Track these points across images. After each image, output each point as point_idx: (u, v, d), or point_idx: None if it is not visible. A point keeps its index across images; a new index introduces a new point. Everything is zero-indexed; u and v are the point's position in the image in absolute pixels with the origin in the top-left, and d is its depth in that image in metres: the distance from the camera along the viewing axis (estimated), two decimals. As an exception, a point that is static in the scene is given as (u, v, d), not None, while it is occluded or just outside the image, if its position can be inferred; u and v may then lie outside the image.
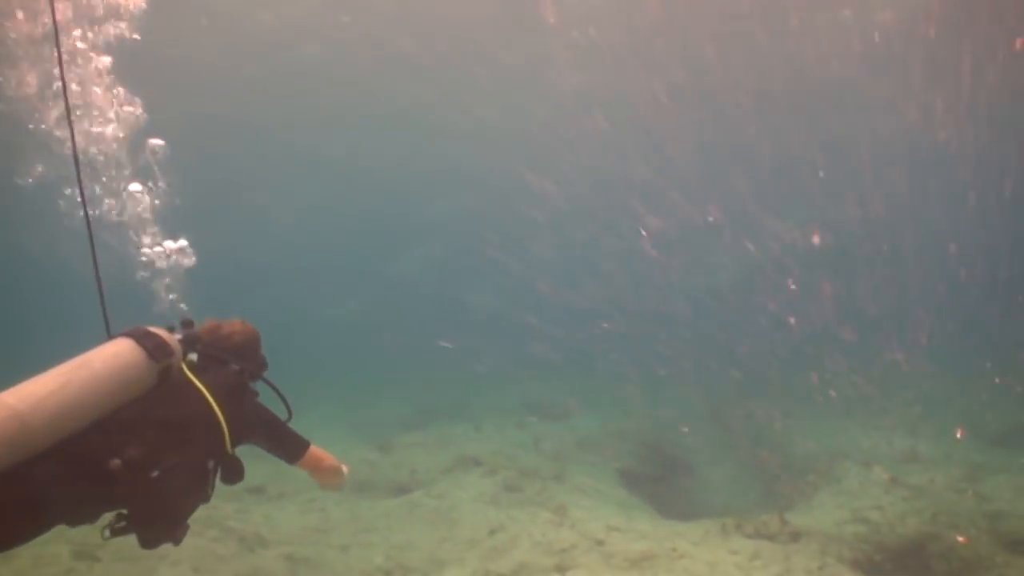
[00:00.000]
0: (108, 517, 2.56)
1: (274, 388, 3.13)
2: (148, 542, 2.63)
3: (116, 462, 2.35)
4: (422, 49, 16.62)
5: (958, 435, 12.29)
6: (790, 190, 21.53)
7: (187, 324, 3.03)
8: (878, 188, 22.98)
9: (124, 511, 2.53)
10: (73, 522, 2.47)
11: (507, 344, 26.10)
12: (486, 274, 20.94)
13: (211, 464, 2.76)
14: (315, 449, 3.25)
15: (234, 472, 2.87)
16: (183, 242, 4.69)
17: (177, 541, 2.69)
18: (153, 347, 2.63)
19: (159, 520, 2.61)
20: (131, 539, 2.57)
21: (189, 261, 4.61)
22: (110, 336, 2.73)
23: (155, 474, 2.45)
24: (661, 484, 13.31)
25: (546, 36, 16.14)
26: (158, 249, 4.62)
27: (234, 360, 3.00)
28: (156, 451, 2.48)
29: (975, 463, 10.42)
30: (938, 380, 19.75)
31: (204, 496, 2.79)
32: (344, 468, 3.46)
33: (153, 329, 2.74)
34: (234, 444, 2.81)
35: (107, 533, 2.54)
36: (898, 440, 11.61)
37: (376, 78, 18.09)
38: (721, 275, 20.08)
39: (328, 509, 9.02)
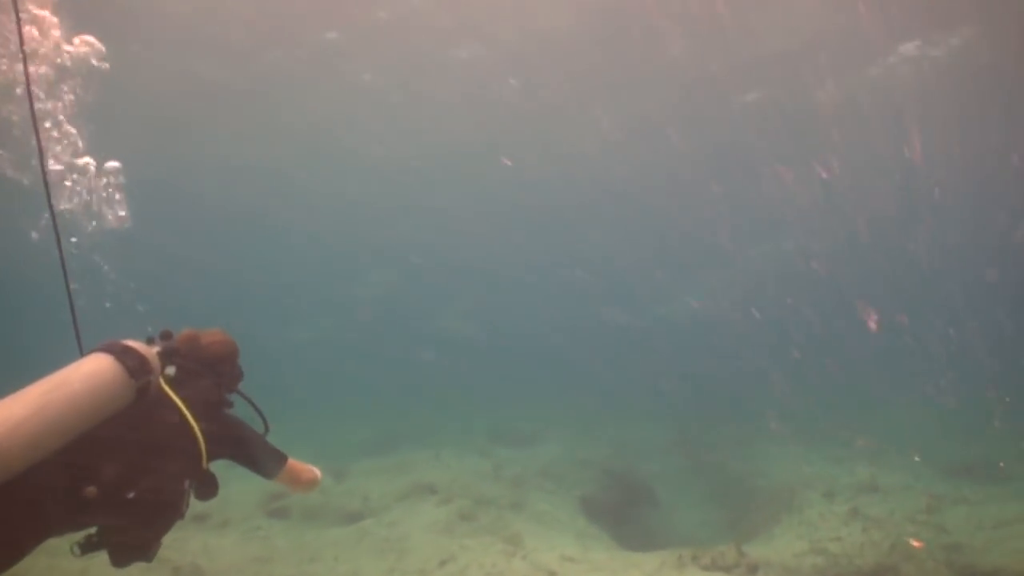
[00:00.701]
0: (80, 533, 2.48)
1: (250, 401, 3.03)
2: (120, 561, 2.57)
3: (91, 489, 2.28)
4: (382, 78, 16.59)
5: (916, 458, 12.29)
6: (762, 217, 21.71)
7: (166, 336, 2.90)
8: (858, 214, 23.34)
9: (96, 528, 2.47)
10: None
11: (474, 368, 25.91)
12: (452, 297, 20.67)
13: (188, 482, 2.68)
14: (292, 463, 3.14)
15: (209, 488, 2.77)
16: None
17: (150, 559, 2.63)
18: (133, 364, 2.51)
19: (134, 540, 2.54)
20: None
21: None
22: (82, 352, 2.60)
23: (131, 495, 2.38)
24: (624, 513, 13.08)
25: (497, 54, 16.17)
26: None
27: (210, 372, 2.91)
28: (132, 471, 2.41)
29: (935, 494, 10.37)
30: (901, 411, 19.96)
31: (179, 514, 2.68)
32: (319, 474, 3.33)
33: (131, 344, 2.61)
34: (210, 459, 2.72)
35: (77, 550, 2.48)
36: (860, 470, 11.54)
37: (337, 105, 17.95)
38: (689, 303, 20.06)
39: (272, 538, 8.63)
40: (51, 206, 2.94)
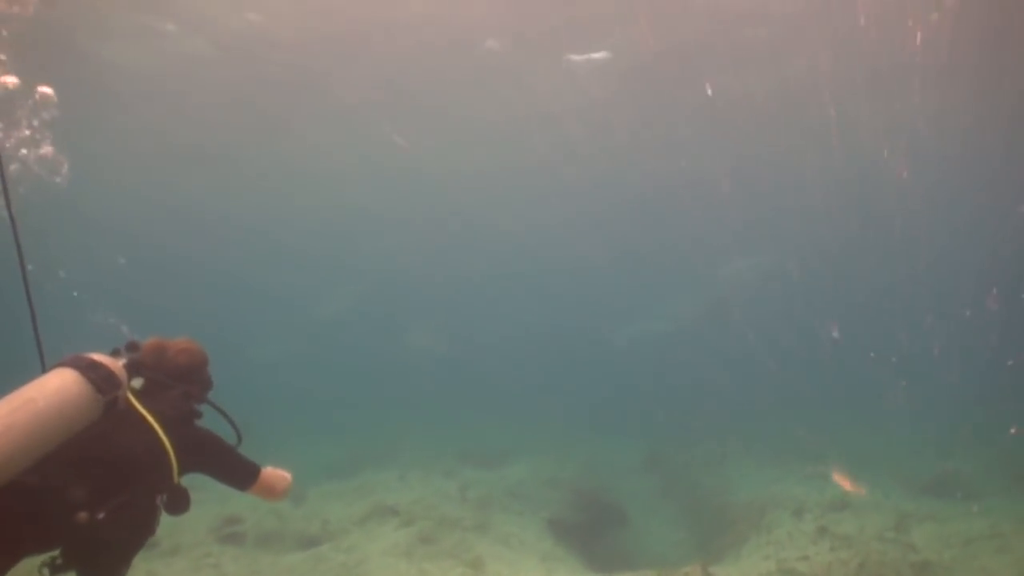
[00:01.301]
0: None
1: (221, 411, 2.94)
2: None
3: (83, 515, 2.23)
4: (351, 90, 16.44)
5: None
6: (740, 231, 21.78)
7: (132, 347, 2.83)
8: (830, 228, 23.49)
9: (63, 550, 2.35)
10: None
11: (444, 388, 25.59)
12: (419, 316, 20.44)
13: (159, 499, 2.60)
14: (266, 474, 3.05)
15: (180, 503, 2.69)
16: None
17: None
18: (100, 379, 2.43)
19: (105, 562, 2.45)
20: None
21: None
22: (45, 368, 2.51)
23: (101, 515, 2.30)
24: (594, 534, 12.83)
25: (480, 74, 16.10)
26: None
27: (179, 383, 2.82)
28: (102, 490, 2.33)
29: (904, 511, 10.28)
30: (873, 428, 20.00)
31: (151, 531, 2.61)
32: (290, 478, 3.25)
33: (97, 357, 2.53)
34: (181, 473, 2.64)
35: (46, 571, 2.36)
36: (830, 488, 11.44)
37: (302, 119, 17.75)
38: (663, 321, 20.01)
39: (223, 565, 8.27)
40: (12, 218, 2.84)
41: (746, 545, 9.66)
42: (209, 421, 2.96)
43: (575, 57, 16.02)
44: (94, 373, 2.43)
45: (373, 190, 20.58)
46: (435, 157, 18.93)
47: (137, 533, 2.53)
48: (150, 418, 2.55)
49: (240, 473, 2.96)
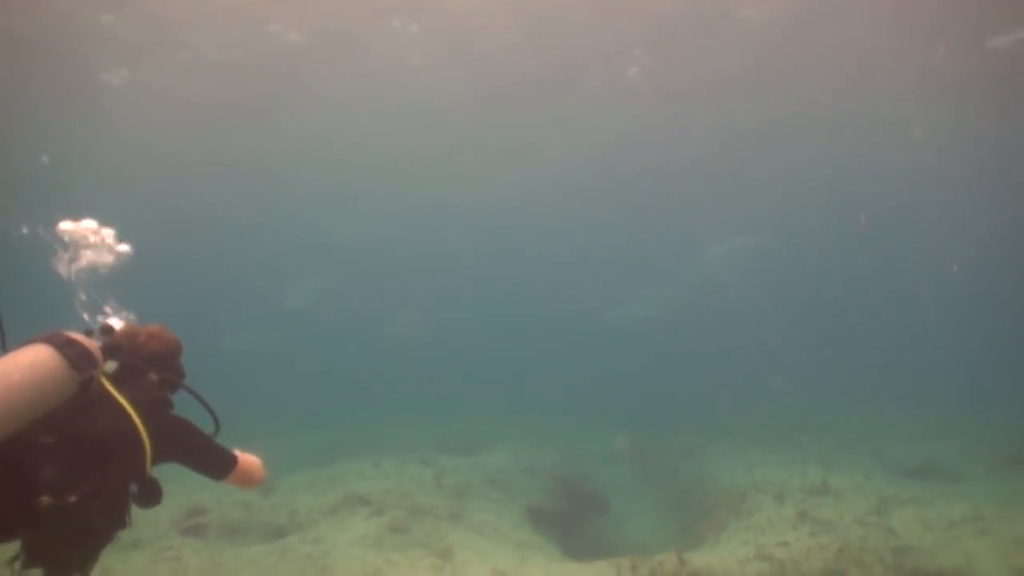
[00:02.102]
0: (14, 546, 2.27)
1: (200, 398, 2.86)
2: (57, 574, 2.38)
3: (45, 499, 2.13)
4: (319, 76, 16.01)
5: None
6: (725, 217, 21.55)
7: (107, 330, 2.75)
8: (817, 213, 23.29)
9: (28, 540, 2.27)
10: None
11: (424, 375, 25.29)
12: (397, 303, 20.10)
13: (133, 487, 2.50)
14: (242, 462, 2.96)
15: (152, 495, 2.58)
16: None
17: (87, 573, 2.46)
18: (76, 356, 2.36)
19: (75, 551, 2.36)
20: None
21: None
22: (5, 346, 2.43)
23: (73, 499, 2.20)
24: (573, 521, 12.62)
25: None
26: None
27: (152, 369, 2.73)
28: (74, 473, 2.24)
29: (885, 495, 10.12)
30: (857, 411, 19.95)
31: (123, 522, 2.52)
32: (263, 467, 3.17)
33: (74, 335, 2.46)
34: (154, 463, 2.55)
35: (17, 565, 2.30)
36: (811, 472, 11.27)
37: (276, 104, 17.30)
38: (647, 307, 19.79)
39: (184, 558, 7.96)
40: None
41: (726, 531, 9.47)
42: (182, 410, 2.83)
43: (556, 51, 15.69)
44: (70, 350, 2.34)
45: (347, 172, 20.12)
46: (409, 137, 18.53)
47: (109, 522, 2.43)
48: (124, 402, 2.46)
49: (217, 462, 2.86)
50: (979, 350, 28.39)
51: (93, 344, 2.50)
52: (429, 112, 17.27)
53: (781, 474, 11.46)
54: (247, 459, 3.03)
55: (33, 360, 2.28)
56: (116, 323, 2.93)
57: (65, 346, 2.36)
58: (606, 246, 24.14)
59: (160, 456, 2.58)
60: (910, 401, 20.88)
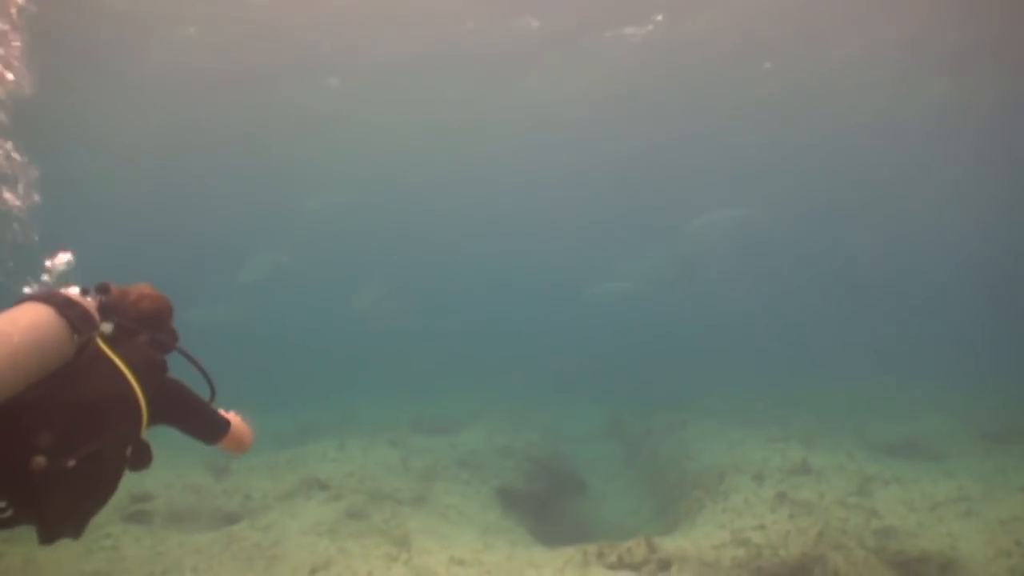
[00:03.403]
0: None
1: (195, 362, 2.81)
2: (50, 537, 2.32)
3: (39, 460, 2.11)
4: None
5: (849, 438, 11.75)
6: (701, 193, 21.06)
7: (103, 289, 2.65)
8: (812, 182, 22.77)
9: (17, 499, 2.19)
10: None
11: (401, 354, 24.77)
12: (368, 277, 19.50)
13: (129, 450, 2.46)
14: (235, 427, 2.93)
15: (144, 457, 2.54)
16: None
17: (79, 535, 2.42)
18: (76, 318, 2.31)
19: (69, 514, 2.31)
20: None
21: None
22: None
23: (71, 463, 2.19)
24: (548, 503, 12.23)
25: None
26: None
27: (145, 330, 2.67)
28: (72, 437, 2.21)
29: (868, 474, 9.77)
30: (839, 390, 19.67)
31: (114, 487, 2.45)
32: (251, 430, 3.12)
33: (72, 295, 2.41)
34: (149, 425, 2.52)
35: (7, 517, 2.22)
36: (791, 451, 10.89)
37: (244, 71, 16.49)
38: (627, 282, 19.31)
39: (123, 547, 7.42)
40: None
41: (701, 513, 9.07)
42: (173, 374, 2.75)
43: (534, 23, 15.03)
44: (70, 311, 2.30)
45: (316, 140, 19.30)
46: (383, 106, 17.79)
47: (104, 485, 2.39)
48: (122, 365, 2.40)
49: (211, 427, 2.83)
50: (963, 327, 28.26)
51: (91, 304, 2.45)
52: (394, 77, 16.54)
53: (761, 452, 11.07)
54: (239, 424, 2.99)
55: (33, 321, 2.21)
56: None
57: (65, 307, 2.30)
58: (587, 219, 23.64)
59: (155, 418, 2.54)
60: (894, 378, 20.65)
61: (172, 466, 9.99)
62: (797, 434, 12.31)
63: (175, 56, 15.23)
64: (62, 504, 2.25)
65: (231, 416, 2.98)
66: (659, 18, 14.92)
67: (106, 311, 2.55)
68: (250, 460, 10.73)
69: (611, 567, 6.58)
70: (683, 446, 13.36)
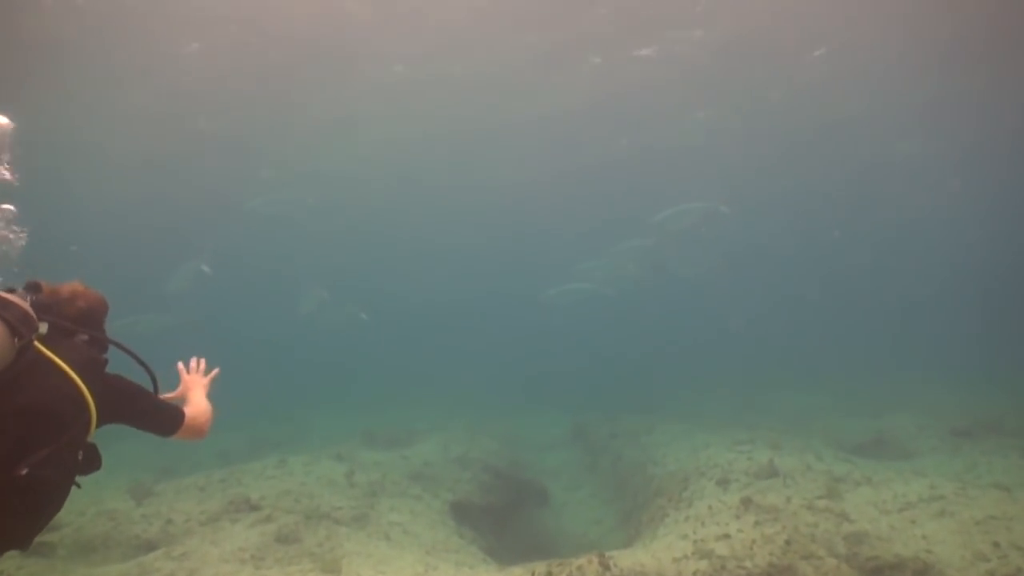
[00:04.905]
0: None
1: (134, 356, 2.73)
2: None
3: None
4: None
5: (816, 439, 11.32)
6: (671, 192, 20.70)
7: (33, 288, 2.53)
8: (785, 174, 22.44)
9: None
10: None
11: (354, 363, 23.90)
12: (306, 282, 18.70)
13: (81, 454, 2.37)
14: (191, 413, 2.88)
15: (93, 461, 2.46)
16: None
17: (27, 548, 2.27)
18: (15, 320, 2.21)
19: (20, 524, 2.17)
20: None
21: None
22: None
23: (23, 471, 2.09)
24: (506, 516, 11.59)
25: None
26: None
27: (83, 329, 2.58)
28: (21, 444, 2.12)
29: (836, 475, 9.31)
30: (806, 388, 19.41)
31: (68, 493, 2.37)
32: (209, 409, 3.07)
33: (6, 295, 2.28)
34: (97, 426, 2.42)
35: None
36: (758, 453, 10.41)
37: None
38: (586, 284, 18.78)
39: (17, 584, 6.61)
40: None
41: (664, 522, 8.51)
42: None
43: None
44: (7, 313, 2.21)
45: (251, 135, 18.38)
46: (319, 102, 17.07)
47: (59, 492, 2.30)
48: (65, 366, 2.32)
49: (165, 419, 2.77)
50: (930, 323, 28.34)
51: (27, 304, 2.33)
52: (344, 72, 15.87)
53: (727, 455, 10.57)
54: (193, 409, 2.92)
55: None
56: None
57: (2, 308, 2.20)
58: (544, 221, 23.11)
59: (104, 418, 2.45)
60: (860, 375, 20.48)
61: (89, 490, 9.17)
62: (764, 435, 11.85)
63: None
64: (13, 515, 2.13)
65: (188, 398, 2.94)
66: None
67: (40, 310, 2.42)
68: (181, 480, 9.93)
69: (560, 588, 5.95)
70: (647, 451, 12.83)
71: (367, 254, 25.89)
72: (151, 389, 2.77)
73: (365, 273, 25.38)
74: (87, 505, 8.43)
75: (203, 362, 3.37)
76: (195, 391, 3.17)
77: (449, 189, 22.52)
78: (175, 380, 3.28)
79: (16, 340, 2.19)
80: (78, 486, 2.45)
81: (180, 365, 3.32)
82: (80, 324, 2.60)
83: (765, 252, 28.99)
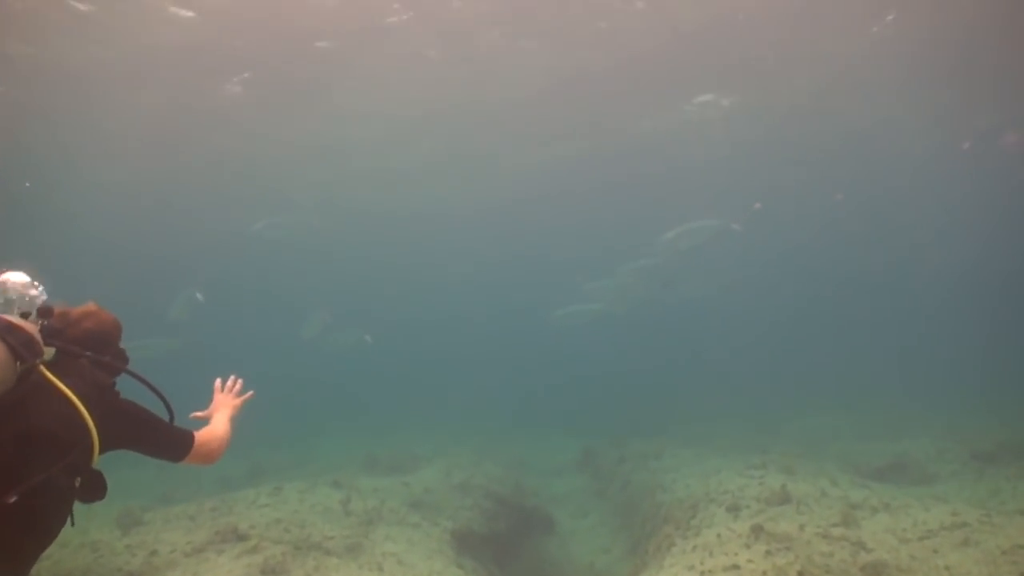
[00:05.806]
0: None
1: (147, 384, 2.64)
2: None
3: None
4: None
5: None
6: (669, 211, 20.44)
7: (45, 312, 2.48)
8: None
9: None
10: None
11: (361, 387, 23.67)
12: (309, 307, 18.57)
13: (78, 482, 2.33)
14: (201, 437, 2.79)
15: (96, 488, 2.42)
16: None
17: None
18: (19, 344, 2.18)
19: (14, 553, 2.14)
20: None
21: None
22: None
23: (13, 499, 2.04)
24: (510, 545, 11.19)
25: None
26: None
27: (88, 352, 2.50)
28: (15, 469, 2.09)
29: (852, 501, 8.87)
30: (821, 411, 18.90)
31: (63, 522, 2.34)
32: (223, 433, 2.94)
33: (13, 320, 2.27)
34: (102, 451, 2.37)
35: None
36: (770, 478, 9.98)
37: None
38: (595, 304, 18.47)
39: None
40: None
41: (671, 552, 8.10)
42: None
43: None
44: (12, 337, 2.18)
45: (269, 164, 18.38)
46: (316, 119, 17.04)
47: (53, 522, 2.26)
48: (67, 390, 2.27)
49: (172, 444, 2.71)
50: (951, 345, 27.71)
51: (34, 329, 2.33)
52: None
53: (738, 481, 10.15)
54: (206, 433, 2.85)
55: None
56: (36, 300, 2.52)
57: (6, 332, 2.18)
58: (554, 240, 22.91)
59: (108, 445, 2.40)
60: (878, 398, 19.97)
61: (78, 519, 8.93)
62: (777, 460, 11.42)
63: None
64: (4, 539, 2.09)
65: (210, 418, 2.86)
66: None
67: (49, 335, 2.42)
68: (172, 508, 9.65)
69: (556, 625, 5.59)
70: (656, 476, 12.41)
71: (372, 276, 25.83)
72: (166, 415, 2.70)
73: (370, 296, 25.27)
74: (72, 535, 8.16)
75: (240, 382, 3.30)
76: (220, 412, 3.09)
77: (455, 209, 22.41)
78: (194, 405, 3.15)
79: (18, 364, 2.15)
80: (71, 522, 2.38)
81: (217, 382, 3.27)
82: (86, 346, 2.54)
83: (780, 265, 28.57)
